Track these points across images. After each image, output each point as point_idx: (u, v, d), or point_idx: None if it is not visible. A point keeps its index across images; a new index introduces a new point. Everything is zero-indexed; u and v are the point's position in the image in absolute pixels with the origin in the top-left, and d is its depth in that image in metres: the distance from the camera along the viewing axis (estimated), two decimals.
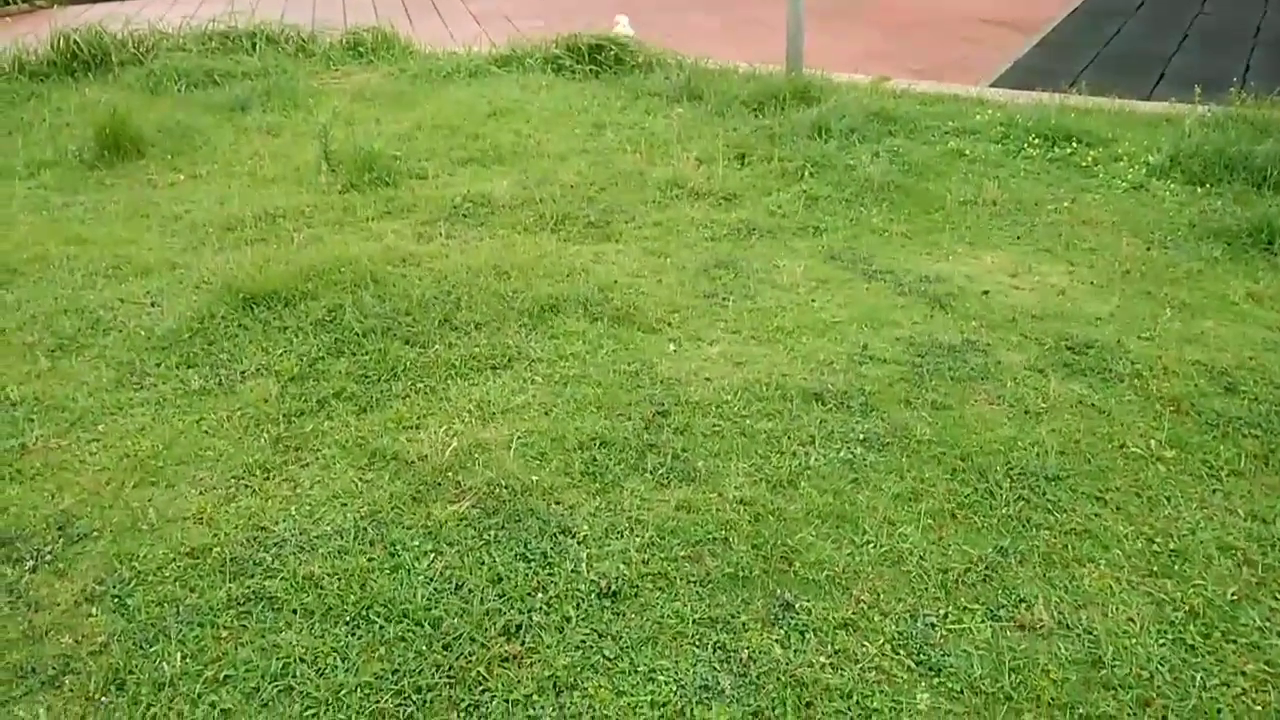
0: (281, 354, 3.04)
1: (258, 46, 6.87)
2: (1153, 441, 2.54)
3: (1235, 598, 2.07)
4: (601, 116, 5.35)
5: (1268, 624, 2.00)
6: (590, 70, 6.31)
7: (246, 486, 2.46)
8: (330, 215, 4.16)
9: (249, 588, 2.13)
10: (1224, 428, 2.59)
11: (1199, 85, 5.20)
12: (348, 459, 2.57)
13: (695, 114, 5.21)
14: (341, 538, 2.28)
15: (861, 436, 2.58)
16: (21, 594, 2.10)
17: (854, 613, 2.05)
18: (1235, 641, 1.97)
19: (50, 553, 2.22)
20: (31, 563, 2.19)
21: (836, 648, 1.97)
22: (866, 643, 1.98)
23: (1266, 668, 1.91)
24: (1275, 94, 4.86)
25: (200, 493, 2.43)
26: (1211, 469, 2.45)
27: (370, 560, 2.21)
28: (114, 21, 6.88)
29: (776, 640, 1.99)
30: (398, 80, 6.43)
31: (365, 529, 2.31)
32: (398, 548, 2.25)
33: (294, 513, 2.36)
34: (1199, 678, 1.88)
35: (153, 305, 3.32)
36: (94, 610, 2.06)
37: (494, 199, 4.27)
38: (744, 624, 2.03)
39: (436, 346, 3.09)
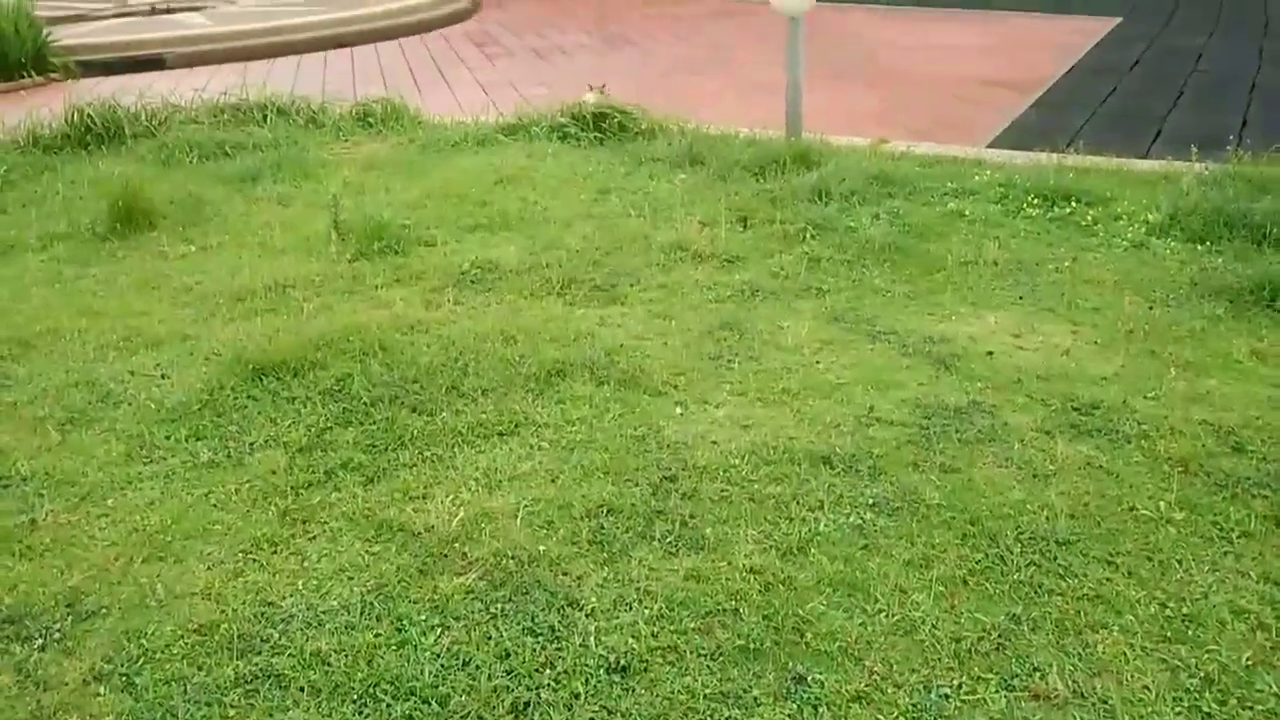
0: (290, 425, 3.06)
1: (269, 118, 6.99)
2: (1162, 503, 2.53)
3: (1250, 663, 2.05)
4: (606, 182, 5.43)
5: None
6: (595, 137, 6.41)
7: (254, 561, 2.46)
8: (339, 284, 4.21)
9: (256, 665, 2.12)
10: (1233, 488, 2.58)
11: (1196, 143, 5.27)
12: (355, 531, 2.57)
13: (697, 179, 5.29)
14: (348, 613, 2.27)
15: (871, 501, 2.57)
16: (30, 673, 2.10)
17: (867, 685, 2.03)
18: (1252, 708, 1.95)
19: (59, 630, 2.21)
20: (40, 641, 2.18)
21: None
22: (880, 716, 1.96)
23: None
24: (1273, 150, 4.92)
25: (208, 568, 2.43)
26: (1222, 531, 2.44)
27: (377, 636, 2.20)
28: (126, 94, 7.03)
29: (789, 715, 1.98)
30: (406, 150, 6.54)
31: (372, 603, 2.30)
32: (404, 623, 2.24)
33: (301, 588, 2.36)
34: None
35: (163, 377, 3.35)
36: (102, 689, 2.05)
37: (501, 265, 4.32)
38: (756, 699, 2.01)
39: (444, 414, 3.10)
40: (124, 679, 2.08)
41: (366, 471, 2.83)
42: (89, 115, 6.59)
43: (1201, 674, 2.03)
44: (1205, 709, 1.95)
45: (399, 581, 2.37)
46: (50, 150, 6.37)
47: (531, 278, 4.19)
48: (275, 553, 2.48)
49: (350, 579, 2.38)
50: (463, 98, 8.99)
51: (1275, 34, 9.98)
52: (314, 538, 2.54)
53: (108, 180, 5.41)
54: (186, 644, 2.17)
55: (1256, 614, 2.18)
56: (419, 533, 2.55)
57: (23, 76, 9.20)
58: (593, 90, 6.85)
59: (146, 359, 3.49)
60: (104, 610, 2.28)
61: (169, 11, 15.76)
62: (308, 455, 2.90)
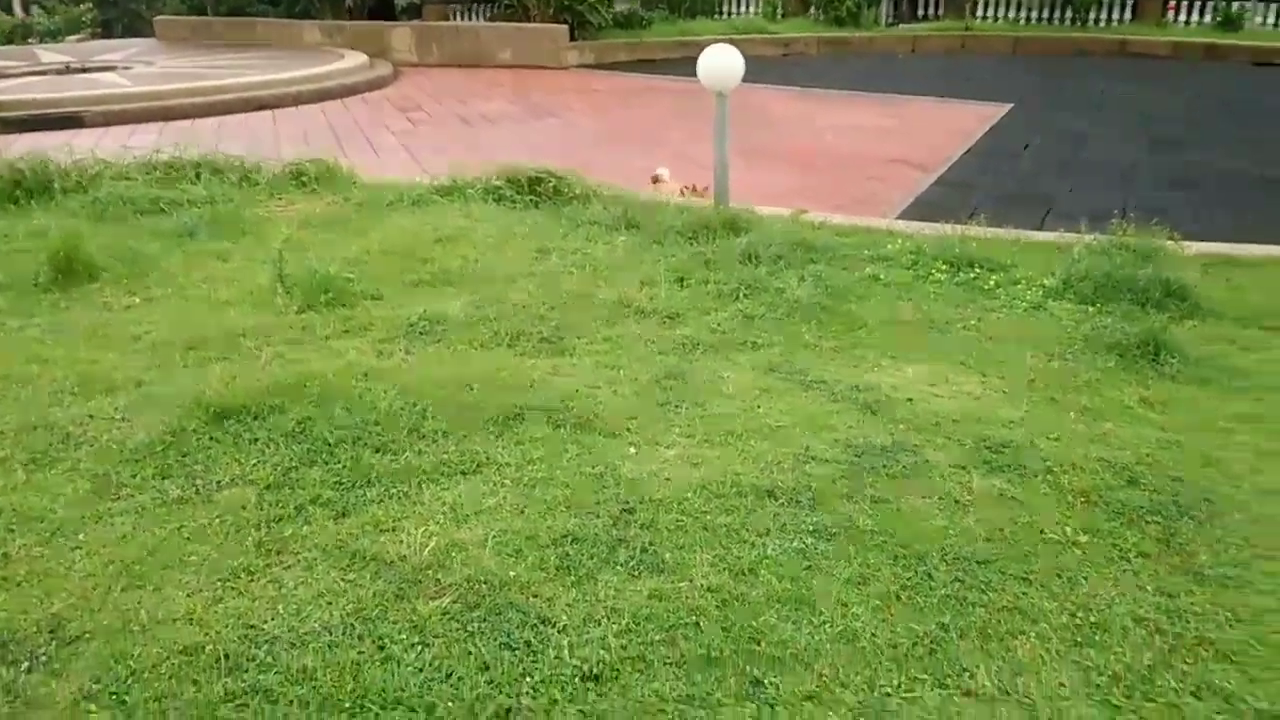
0: (255, 464, 3.15)
1: (202, 176, 7.07)
2: (1068, 528, 2.83)
3: (1151, 663, 2.33)
4: (545, 243, 5.67)
5: (1181, 685, 2.26)
6: (530, 200, 6.67)
7: (232, 588, 2.55)
8: (289, 334, 4.31)
9: (245, 682, 2.21)
10: (1129, 515, 2.90)
11: (1084, 217, 5.81)
12: (329, 561, 2.68)
13: (634, 241, 5.58)
14: (331, 633, 2.38)
15: (811, 528, 2.81)
16: (19, 694, 2.15)
17: (818, 686, 2.24)
18: (1154, 701, 2.22)
19: (44, 654, 2.27)
20: (26, 664, 2.23)
21: (804, 718, 2.15)
22: (831, 713, 2.16)
23: None
24: (1153, 223, 5.47)
25: (188, 595, 2.51)
26: (1121, 552, 2.74)
27: (360, 653, 2.32)
28: (49, 151, 7.02)
29: (749, 714, 2.16)
30: (342, 208, 6.68)
31: (353, 625, 2.42)
32: (386, 641, 2.37)
33: (282, 611, 2.46)
34: None
35: (123, 420, 3.40)
36: (93, 707, 2.12)
37: (449, 318, 4.49)
38: (719, 700, 2.20)
39: (407, 454, 3.24)
40: (114, 697, 2.15)
41: (336, 506, 2.94)
42: (19, 169, 6.57)
43: (1109, 673, 2.30)
44: (1115, 702, 2.21)
45: (377, 605, 2.49)
46: None
47: (480, 330, 4.37)
48: (253, 581, 2.58)
49: (329, 603, 2.49)
50: (389, 161, 9.19)
51: (1152, 121, 10.94)
52: (289, 567, 2.65)
53: (44, 233, 5.42)
54: (174, 664, 2.25)
55: (1154, 621, 2.47)
56: (392, 561, 2.67)
57: None
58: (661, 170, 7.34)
59: (104, 403, 3.54)
60: (87, 635, 2.34)
61: (83, 70, 15.63)
62: (276, 492, 2.99)
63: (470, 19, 21.53)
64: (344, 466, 3.15)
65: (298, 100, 13.16)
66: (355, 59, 16.02)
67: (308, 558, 2.69)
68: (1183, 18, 19.19)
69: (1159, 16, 19.36)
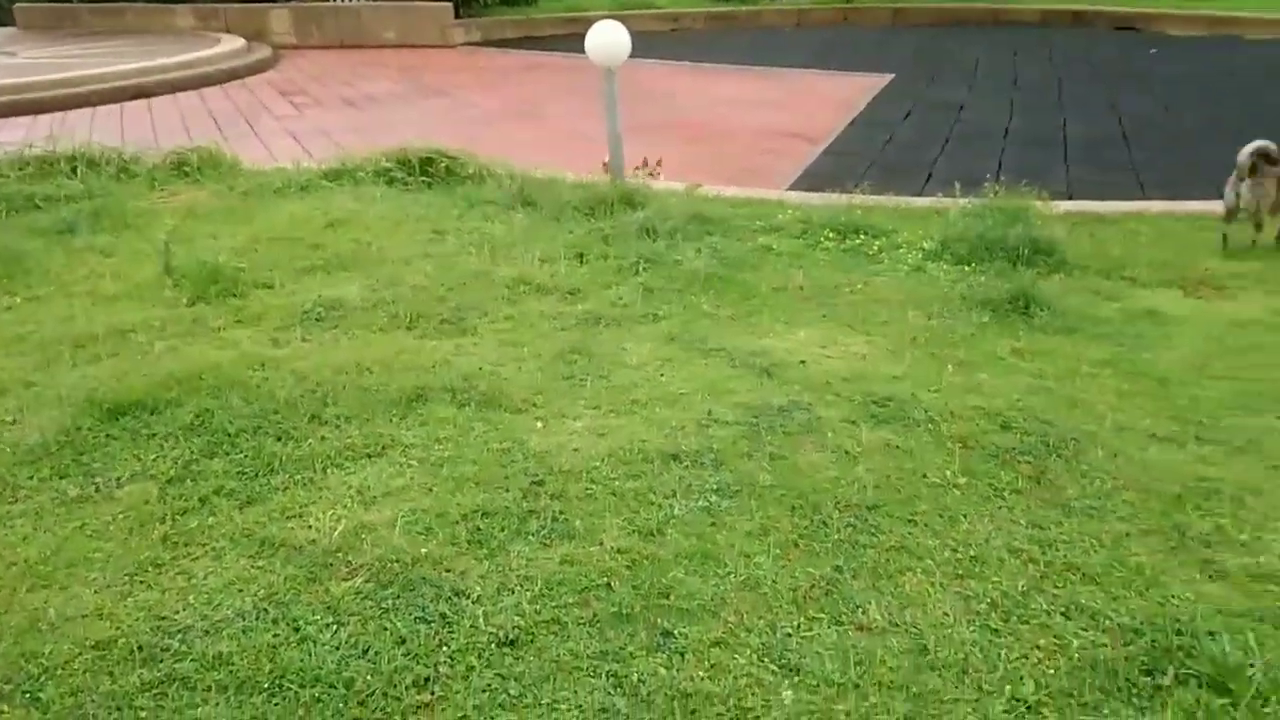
0: (155, 459, 3.12)
1: (78, 170, 6.79)
2: (948, 472, 3.03)
3: (1025, 589, 2.53)
4: (440, 223, 5.66)
5: (1052, 607, 2.46)
6: (423, 181, 6.63)
7: (141, 582, 2.54)
8: (181, 327, 4.23)
9: (161, 671, 2.22)
10: (1003, 457, 3.12)
11: (960, 182, 6.10)
12: (237, 549, 2.69)
13: (532, 219, 5.62)
14: (244, 619, 2.40)
15: (715, 487, 2.94)
16: None
17: (724, 632, 2.37)
18: (1029, 623, 2.41)
19: None
20: None
21: (712, 663, 2.27)
22: (737, 655, 2.30)
23: (1055, 640, 2.34)
24: (1023, 185, 5.78)
25: (95, 591, 2.49)
26: (996, 490, 2.95)
27: (276, 636, 2.35)
28: None
29: (660, 664, 2.28)
30: (228, 197, 6.52)
31: (266, 609, 2.44)
32: (301, 623, 2.40)
33: (193, 601, 2.46)
34: (1003, 653, 2.30)
35: (13, 422, 3.31)
36: (4, 707, 2.10)
37: (345, 303, 4.46)
38: (631, 653, 2.31)
39: (310, 441, 3.25)
40: (27, 695, 2.13)
41: (240, 496, 2.93)
42: None
43: (988, 600, 2.49)
44: (993, 626, 2.40)
45: (289, 589, 2.52)
46: None
47: (377, 314, 4.36)
48: (161, 573, 2.57)
49: (240, 590, 2.51)
50: (274, 147, 8.97)
51: (1023, 88, 11.45)
52: (197, 558, 2.64)
53: None
54: (87, 659, 2.24)
55: (1027, 552, 2.68)
56: (301, 546, 2.69)
57: None
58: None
59: None
60: None
61: None
62: (179, 485, 2.97)
63: None
64: (246, 456, 3.14)
65: (175, 88, 12.68)
66: (232, 43, 15.48)
67: (216, 547, 2.69)
68: None
69: None
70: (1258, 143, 5.03)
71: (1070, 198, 6.59)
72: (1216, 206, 5.34)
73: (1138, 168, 7.72)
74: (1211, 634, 2.26)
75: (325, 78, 13.61)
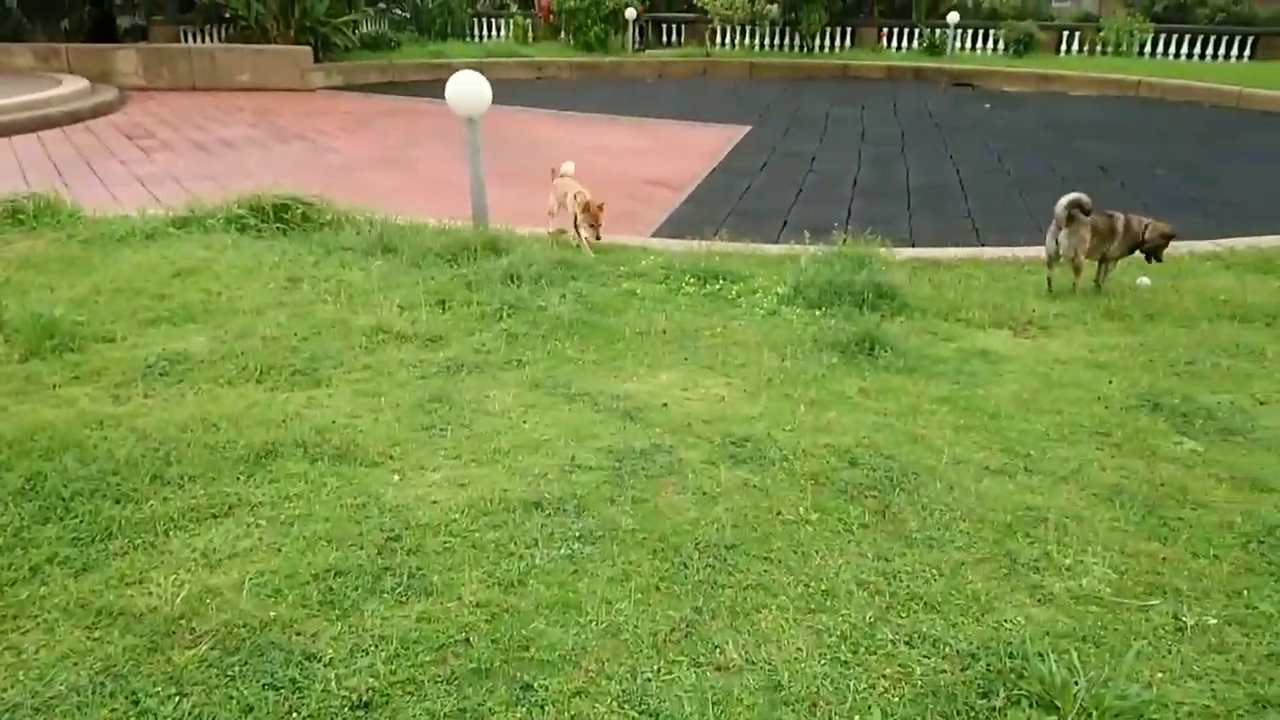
0: None
1: None
2: (801, 508, 3.14)
3: (872, 620, 2.64)
4: (295, 271, 5.52)
5: (897, 637, 2.57)
6: (277, 229, 6.46)
7: None
8: (12, 385, 3.98)
9: None
10: (851, 492, 3.26)
11: (811, 230, 6.37)
12: (71, 621, 2.53)
13: (392, 265, 5.55)
14: (79, 694, 2.26)
15: (578, 534, 2.95)
16: None
17: (585, 681, 2.37)
18: (876, 653, 2.51)
19: None
20: None
21: (572, 713, 2.27)
22: (597, 704, 2.30)
23: (900, 669, 2.45)
24: (868, 232, 6.08)
25: None
26: (845, 525, 3.08)
27: (113, 711, 2.22)
28: None
29: (519, 718, 2.26)
30: (66, 246, 6.19)
31: (103, 683, 2.31)
32: (140, 695, 2.27)
33: (22, 678, 2.30)
34: (852, 684, 2.38)
35: None
36: None
37: (191, 356, 4.29)
38: (490, 709, 2.28)
39: (151, 502, 3.10)
40: None
41: (75, 564, 2.77)
42: None
43: (838, 633, 2.58)
44: (843, 658, 2.49)
45: (128, 660, 2.38)
46: None
47: (225, 366, 4.21)
48: None
49: (75, 664, 2.36)
50: (119, 193, 8.57)
51: (870, 140, 12.08)
52: (28, 631, 2.47)
53: None
54: None
55: (874, 584, 2.80)
56: (141, 614, 2.56)
57: None
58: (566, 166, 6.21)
59: None
60: None
61: None
62: (7, 555, 2.78)
63: (204, 40, 20.38)
64: (81, 521, 2.97)
65: (10, 130, 11.98)
66: (75, 84, 14.77)
67: (48, 619, 2.53)
68: (894, 44, 21.43)
69: (875, 43, 21.52)
70: (1072, 195, 5.46)
71: (913, 245, 6.97)
72: (1042, 252, 5.76)
73: (974, 215, 8.24)
74: (1040, 655, 2.40)
75: (176, 121, 13.13)
